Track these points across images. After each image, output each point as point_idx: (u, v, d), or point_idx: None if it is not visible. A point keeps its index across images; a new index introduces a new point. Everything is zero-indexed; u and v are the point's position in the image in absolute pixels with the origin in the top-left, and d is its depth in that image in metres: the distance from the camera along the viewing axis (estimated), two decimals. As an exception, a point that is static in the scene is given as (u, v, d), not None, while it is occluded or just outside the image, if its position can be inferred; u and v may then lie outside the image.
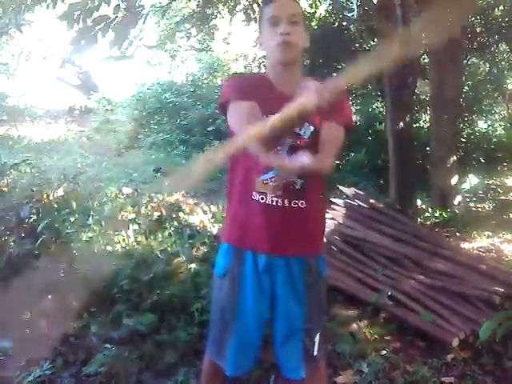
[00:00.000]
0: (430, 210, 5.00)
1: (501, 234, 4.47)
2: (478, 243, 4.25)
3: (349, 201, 3.89)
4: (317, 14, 7.69)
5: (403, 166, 4.74)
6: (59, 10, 4.01)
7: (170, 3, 6.45)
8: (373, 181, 6.31)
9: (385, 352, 2.43)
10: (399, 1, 4.63)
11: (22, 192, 4.95)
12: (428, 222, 4.74)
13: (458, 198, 5.07)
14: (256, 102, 1.38)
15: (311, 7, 7.67)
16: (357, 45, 7.51)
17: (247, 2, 6.11)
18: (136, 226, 4.11)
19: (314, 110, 1.09)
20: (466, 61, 6.84)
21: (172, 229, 4.12)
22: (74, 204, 4.17)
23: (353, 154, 7.10)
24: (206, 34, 8.98)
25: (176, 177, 1.22)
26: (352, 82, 1.13)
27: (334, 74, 7.49)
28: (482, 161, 7.18)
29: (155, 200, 4.92)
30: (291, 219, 1.46)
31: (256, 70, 8.64)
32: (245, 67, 10.23)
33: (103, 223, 4.13)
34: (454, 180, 5.06)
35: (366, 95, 7.91)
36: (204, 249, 3.72)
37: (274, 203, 1.45)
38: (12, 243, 3.37)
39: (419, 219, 4.68)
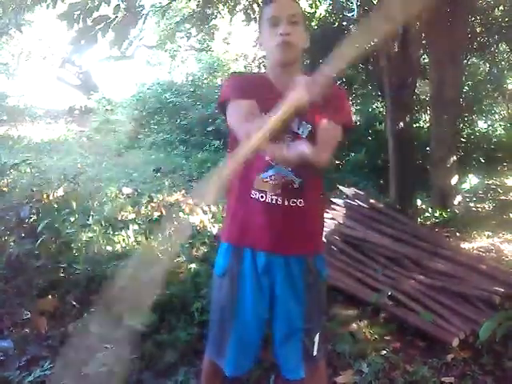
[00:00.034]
0: (430, 209, 5.00)
1: (501, 234, 4.47)
2: (478, 243, 4.25)
3: (349, 201, 3.88)
4: (317, 14, 7.68)
5: (403, 166, 4.74)
6: (59, 9, 4.01)
7: (169, 3, 6.45)
8: (373, 181, 6.31)
9: (385, 352, 2.43)
10: (399, 1, 4.63)
11: (21, 192, 4.95)
12: (428, 222, 4.74)
13: (458, 198, 5.07)
14: (255, 102, 1.39)
15: (311, 7, 7.66)
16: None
17: (247, 2, 6.11)
18: (136, 226, 4.11)
19: (307, 104, 1.09)
20: (466, 61, 6.84)
21: (172, 229, 4.11)
22: (74, 204, 4.17)
23: (353, 154, 7.10)
24: (206, 33, 8.98)
25: (201, 189, 1.19)
26: (339, 69, 1.13)
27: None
28: (482, 161, 7.18)
29: (155, 200, 4.93)
30: (290, 218, 1.46)
31: (256, 70, 8.64)
32: (245, 67, 10.24)
33: (103, 223, 4.14)
34: (454, 180, 5.05)
35: (365, 95, 7.91)
36: (204, 249, 3.72)
37: (274, 201, 1.45)
38: (12, 243, 3.37)
39: (419, 219, 4.68)
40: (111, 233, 3.95)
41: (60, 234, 3.50)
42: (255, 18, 5.64)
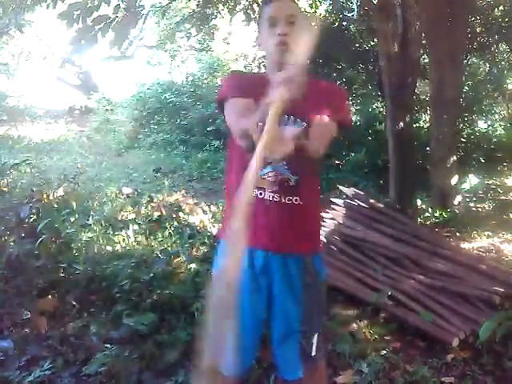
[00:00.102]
0: (430, 209, 5.00)
1: (501, 234, 4.47)
2: (478, 243, 4.24)
3: (349, 201, 3.88)
4: (317, 14, 7.69)
5: (403, 166, 4.74)
6: (59, 9, 4.01)
7: (169, 3, 6.46)
8: (373, 181, 6.31)
9: (385, 352, 2.43)
10: (399, 1, 4.64)
11: (21, 192, 4.96)
12: (428, 222, 4.74)
13: (458, 198, 5.06)
14: (253, 101, 1.38)
15: (311, 7, 7.68)
16: (357, 45, 7.51)
17: (247, 2, 6.11)
18: (136, 226, 4.11)
19: (289, 101, 1.09)
20: (466, 61, 6.84)
21: (172, 229, 4.12)
22: (74, 204, 4.18)
23: (353, 154, 7.10)
24: (205, 33, 9.00)
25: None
26: (304, 57, 1.15)
27: (334, 74, 7.53)
28: (482, 161, 7.17)
29: (155, 200, 4.93)
30: (287, 215, 1.47)
31: (256, 70, 8.64)
32: (245, 67, 10.23)
33: (103, 223, 4.14)
34: (454, 180, 5.05)
35: (366, 95, 7.91)
36: (204, 249, 3.72)
37: (272, 198, 1.45)
38: (12, 243, 3.37)
39: (419, 219, 4.68)
40: (111, 233, 3.96)
41: (60, 234, 3.50)
42: (255, 18, 5.65)
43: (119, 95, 12.99)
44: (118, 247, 3.65)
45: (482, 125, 8.17)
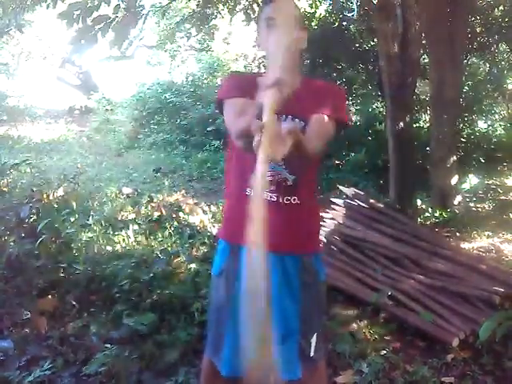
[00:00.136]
0: (430, 209, 5.00)
1: (501, 234, 4.46)
2: (478, 243, 4.24)
3: (349, 201, 3.88)
4: (317, 14, 7.69)
5: (403, 166, 4.74)
6: (59, 9, 4.01)
7: (169, 3, 6.46)
8: (373, 181, 6.31)
9: (385, 352, 2.43)
10: (399, 1, 4.64)
11: (21, 192, 4.96)
12: (428, 222, 4.74)
13: (458, 198, 5.06)
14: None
15: (311, 7, 7.67)
16: (357, 45, 7.51)
17: (247, 2, 6.12)
18: (136, 226, 4.11)
19: (280, 101, 1.09)
20: (466, 61, 6.84)
21: (172, 229, 4.12)
22: (74, 204, 4.18)
23: (353, 154, 7.10)
24: (205, 33, 8.99)
25: None
26: (284, 58, 1.16)
27: (334, 74, 7.53)
28: (482, 161, 7.16)
29: (155, 200, 4.93)
30: (285, 215, 1.46)
31: (256, 70, 8.64)
32: (245, 67, 10.23)
33: (103, 223, 4.14)
34: (454, 180, 5.05)
35: (366, 95, 7.91)
36: (204, 249, 3.72)
37: (269, 198, 1.45)
38: (12, 243, 3.37)
39: (419, 219, 4.68)
40: (111, 233, 3.96)
41: (60, 234, 3.50)
42: (255, 18, 5.64)
43: (119, 95, 12.99)
44: (117, 247, 3.65)
45: (482, 125, 8.16)
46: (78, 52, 4.26)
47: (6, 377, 2.11)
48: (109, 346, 2.34)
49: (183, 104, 10.56)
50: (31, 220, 3.64)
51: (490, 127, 8.17)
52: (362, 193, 4.01)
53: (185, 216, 4.52)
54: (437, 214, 4.82)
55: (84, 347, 2.35)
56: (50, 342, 2.41)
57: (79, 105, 14.21)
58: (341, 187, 4.20)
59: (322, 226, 3.59)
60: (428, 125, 6.92)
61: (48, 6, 4.30)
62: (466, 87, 7.38)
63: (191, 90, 11.14)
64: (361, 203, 3.80)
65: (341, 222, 3.71)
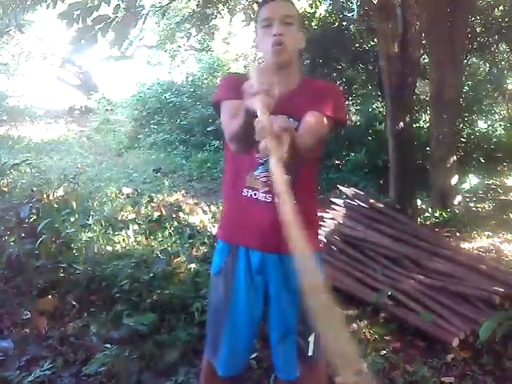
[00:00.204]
0: (430, 209, 5.00)
1: (501, 234, 4.47)
2: (478, 243, 4.24)
3: (349, 201, 3.89)
4: (317, 14, 7.69)
5: (403, 166, 4.74)
6: (59, 9, 4.01)
7: (169, 3, 6.45)
8: (373, 181, 6.31)
9: (385, 352, 2.43)
10: (399, 1, 4.64)
11: (21, 192, 4.96)
12: (428, 222, 4.74)
13: (458, 198, 5.06)
14: None
15: (311, 7, 7.67)
16: (357, 45, 7.51)
17: (247, 2, 6.12)
18: (136, 226, 4.11)
19: (270, 104, 1.08)
20: (466, 61, 6.84)
21: (172, 229, 4.12)
22: (74, 204, 4.17)
23: (353, 154, 7.10)
24: (205, 33, 9.00)
25: None
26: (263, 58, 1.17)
27: (334, 74, 7.53)
28: (482, 161, 7.16)
29: (155, 200, 4.93)
30: (280, 216, 1.46)
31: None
32: (245, 67, 10.23)
33: (103, 223, 4.14)
34: (454, 180, 5.05)
35: (366, 95, 7.91)
36: (204, 249, 3.72)
37: (265, 199, 1.45)
38: (12, 243, 3.36)
39: (419, 219, 4.68)
40: (111, 233, 3.96)
41: (60, 234, 3.50)
42: (255, 18, 5.64)
43: (119, 95, 12.99)
44: (117, 247, 3.65)
45: (482, 125, 8.16)
46: (77, 52, 4.25)
47: (6, 377, 2.11)
48: (109, 346, 2.34)
49: (183, 104, 10.56)
50: (31, 220, 3.64)
51: (490, 127, 8.16)
52: (362, 193, 4.02)
53: (185, 216, 4.53)
54: (437, 214, 4.83)
55: (84, 347, 2.35)
56: (50, 342, 2.41)
57: (79, 105, 14.22)
58: (341, 187, 4.20)
59: (321, 226, 3.59)
60: (428, 125, 6.91)
61: (48, 6, 4.29)
62: (466, 87, 7.38)
63: (191, 90, 11.14)
64: (361, 203, 3.81)
65: (341, 221, 3.71)
